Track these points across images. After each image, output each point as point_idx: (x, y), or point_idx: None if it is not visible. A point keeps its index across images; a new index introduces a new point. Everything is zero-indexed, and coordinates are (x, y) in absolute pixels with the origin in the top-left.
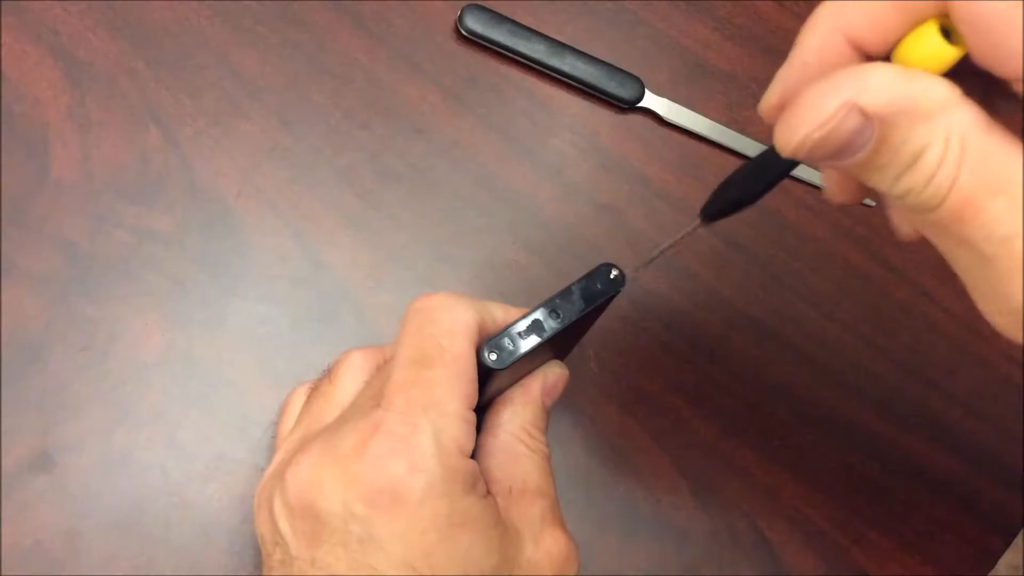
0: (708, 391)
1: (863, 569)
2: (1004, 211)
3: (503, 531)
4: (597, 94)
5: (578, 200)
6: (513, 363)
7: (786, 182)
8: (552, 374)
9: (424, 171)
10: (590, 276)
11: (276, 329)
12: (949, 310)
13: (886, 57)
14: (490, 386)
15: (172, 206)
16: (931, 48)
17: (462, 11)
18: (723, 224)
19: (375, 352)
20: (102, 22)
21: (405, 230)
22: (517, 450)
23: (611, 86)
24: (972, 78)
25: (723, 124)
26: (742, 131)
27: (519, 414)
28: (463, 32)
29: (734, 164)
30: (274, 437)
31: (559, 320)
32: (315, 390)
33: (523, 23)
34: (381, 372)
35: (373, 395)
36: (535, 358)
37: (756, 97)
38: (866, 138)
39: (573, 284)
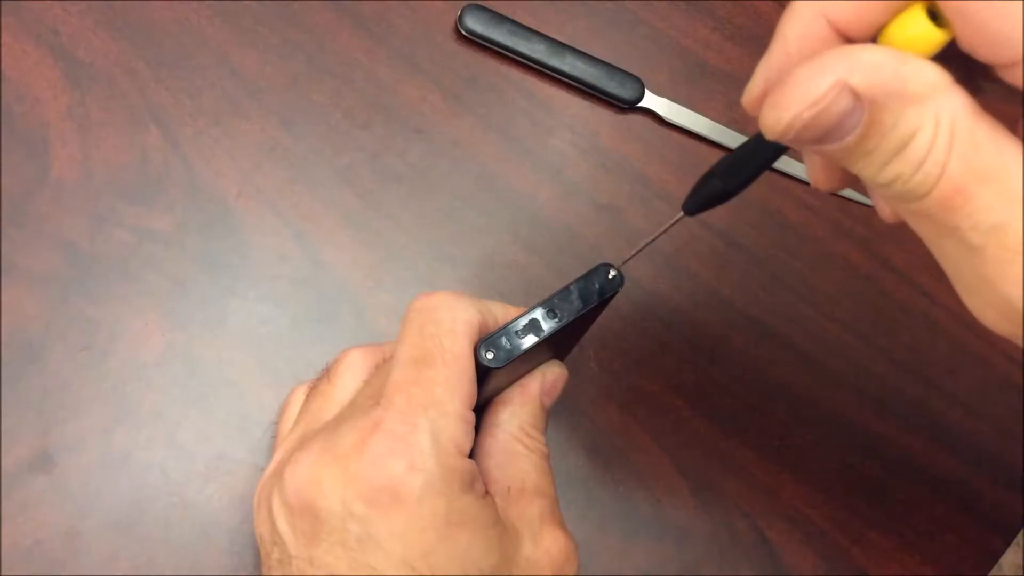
0: (708, 391)
1: (863, 569)
2: (993, 199)
3: (502, 530)
4: (597, 94)
5: (578, 200)
6: (510, 362)
7: (786, 182)
8: (551, 374)
9: (424, 171)
10: (588, 276)
11: (276, 329)
12: (949, 310)
13: (871, 43)
14: (488, 385)
15: (172, 206)
16: (919, 31)
17: (462, 11)
18: (723, 224)
19: (374, 351)
20: (102, 22)
21: (405, 230)
22: (516, 450)
23: (611, 86)
24: (955, 63)
25: (723, 124)
26: (742, 131)
27: (518, 414)
28: (463, 32)
29: None
30: (274, 437)
31: (557, 320)
32: (314, 389)
33: (523, 23)
34: (381, 371)
35: (372, 394)
36: (533, 358)
37: None
38: (855, 121)
39: (571, 284)
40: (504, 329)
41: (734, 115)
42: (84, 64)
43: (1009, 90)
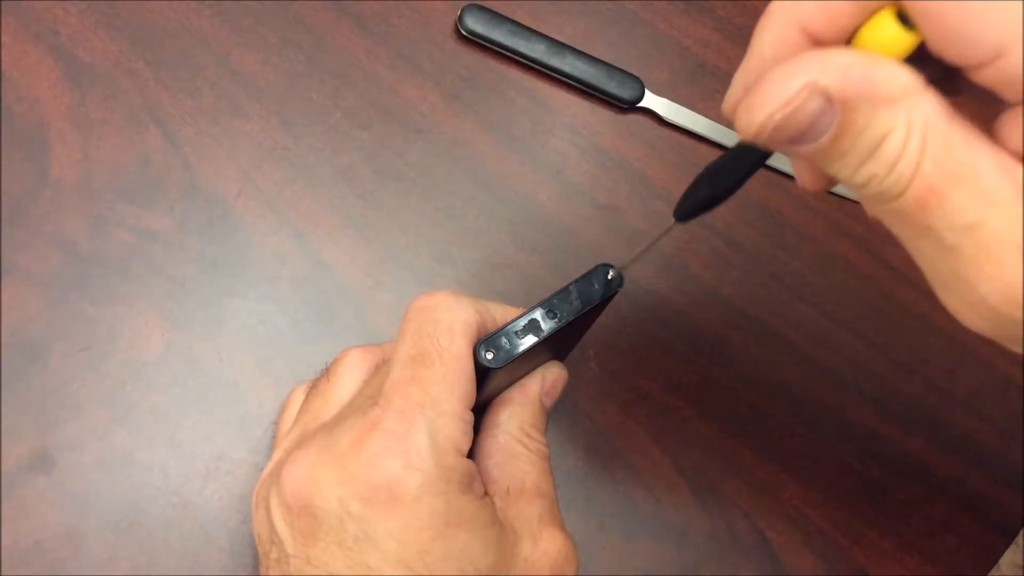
0: (708, 391)
1: (863, 569)
2: (966, 200)
3: (500, 530)
4: (597, 94)
5: (578, 200)
6: (509, 362)
7: (786, 182)
8: (551, 374)
9: (424, 171)
10: (588, 277)
11: (276, 329)
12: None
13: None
14: (487, 386)
15: (172, 206)
16: (888, 35)
17: (462, 11)
18: (723, 224)
19: (374, 351)
20: (102, 22)
21: (405, 230)
22: (515, 450)
23: (611, 86)
24: (931, 66)
25: (723, 124)
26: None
27: (517, 414)
28: (463, 32)
29: None
30: (273, 436)
31: (556, 320)
32: (314, 389)
33: (523, 23)
34: (380, 371)
35: (371, 394)
36: (533, 358)
37: None
38: (827, 123)
39: (571, 284)
40: (504, 329)
41: None
42: (84, 64)
43: (983, 92)
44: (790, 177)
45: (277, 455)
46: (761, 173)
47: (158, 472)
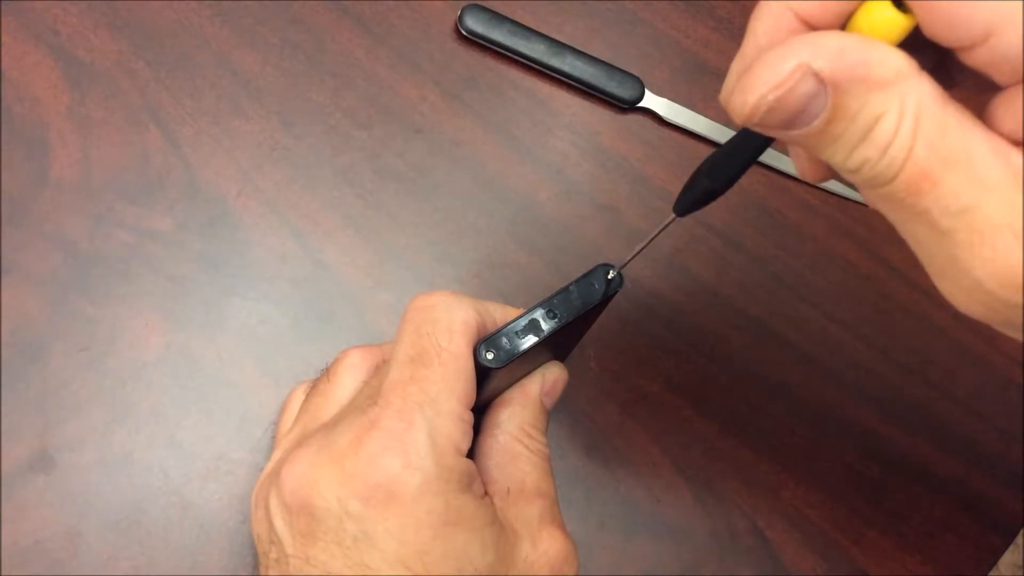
0: (708, 391)
1: (863, 569)
2: (960, 184)
3: (499, 530)
4: (597, 94)
5: (578, 200)
6: (509, 362)
7: (786, 182)
8: (551, 375)
9: (424, 171)
10: (588, 276)
11: (276, 329)
12: (949, 310)
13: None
14: (488, 386)
15: (172, 206)
16: (883, 18)
17: (462, 11)
18: (723, 224)
19: (374, 351)
20: (102, 22)
21: (405, 230)
22: (515, 450)
23: (611, 86)
24: (924, 51)
25: (723, 124)
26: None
27: (517, 414)
28: (463, 32)
29: None
30: (273, 436)
31: (556, 320)
32: (314, 389)
33: (523, 23)
34: (379, 371)
35: (371, 394)
36: (533, 358)
37: None
38: (820, 105)
39: (571, 284)
40: (504, 329)
41: None
42: (84, 64)
43: (977, 80)
44: (790, 177)
45: (277, 455)
46: (761, 173)
47: (158, 472)
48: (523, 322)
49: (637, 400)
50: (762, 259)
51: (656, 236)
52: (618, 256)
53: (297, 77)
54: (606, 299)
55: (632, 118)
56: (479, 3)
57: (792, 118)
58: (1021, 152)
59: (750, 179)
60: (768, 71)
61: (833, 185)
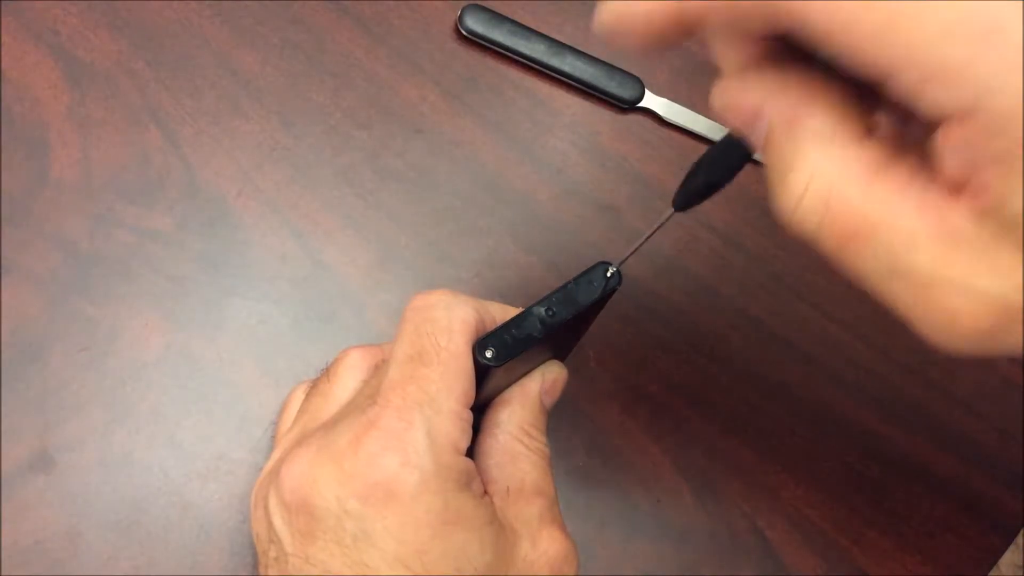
0: (708, 391)
1: (863, 569)
2: (888, 243)
3: (498, 529)
4: (597, 94)
5: (578, 200)
6: (508, 361)
7: None
8: (551, 374)
9: (424, 171)
10: (586, 274)
11: (276, 329)
12: None
13: None
14: (487, 385)
15: (172, 206)
16: None
17: (462, 11)
18: (723, 224)
19: (374, 351)
20: (102, 22)
21: (405, 230)
22: (515, 450)
23: (611, 86)
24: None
25: (723, 124)
26: None
27: (517, 414)
28: (463, 32)
29: None
30: (273, 436)
31: (555, 318)
32: (314, 388)
33: (523, 23)
34: (379, 371)
35: (370, 393)
36: (532, 357)
37: None
38: (760, 131)
39: (569, 282)
40: (503, 328)
41: None
42: (84, 64)
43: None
44: None
45: (276, 454)
46: (762, 173)
47: (158, 472)
48: (522, 320)
49: (637, 400)
50: (762, 259)
51: (655, 232)
52: (618, 256)
53: (297, 77)
54: (605, 297)
55: (632, 118)
56: (479, 3)
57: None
58: (956, 200)
59: (750, 179)
60: (720, 88)
61: None
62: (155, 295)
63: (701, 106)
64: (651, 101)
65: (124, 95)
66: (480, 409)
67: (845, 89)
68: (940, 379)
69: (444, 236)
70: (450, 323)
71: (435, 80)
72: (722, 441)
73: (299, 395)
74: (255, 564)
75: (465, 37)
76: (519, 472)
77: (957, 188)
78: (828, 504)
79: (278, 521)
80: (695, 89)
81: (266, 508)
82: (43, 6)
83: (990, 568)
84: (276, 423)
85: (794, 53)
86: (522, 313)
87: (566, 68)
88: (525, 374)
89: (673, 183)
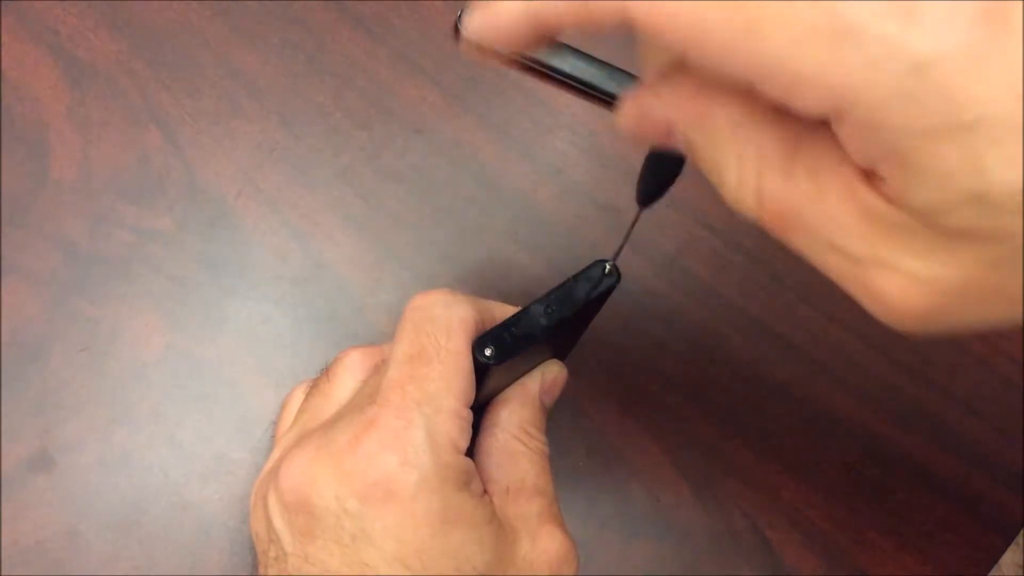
0: (708, 391)
1: (863, 569)
2: (817, 226)
3: (497, 529)
4: (597, 94)
5: (578, 200)
6: (507, 360)
7: None
8: (551, 373)
9: (424, 171)
10: (584, 273)
11: (276, 329)
12: None
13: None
14: (486, 384)
15: (172, 206)
16: None
17: (462, 11)
18: (723, 224)
19: (374, 351)
20: (102, 22)
21: (405, 230)
22: (515, 449)
23: (611, 86)
24: None
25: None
26: None
27: (517, 413)
28: (463, 32)
29: None
30: (273, 436)
31: (554, 317)
32: (313, 388)
33: None
34: (379, 370)
35: (370, 393)
36: (531, 356)
37: None
38: (679, 140)
39: (568, 281)
40: (501, 326)
41: None
42: (84, 64)
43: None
44: None
45: (276, 454)
46: None
47: (158, 472)
48: (521, 319)
49: (637, 400)
50: (762, 259)
51: (631, 230)
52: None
53: (297, 77)
54: (604, 294)
55: None
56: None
57: (659, 143)
58: (869, 184)
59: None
60: (622, 109)
61: None
62: (155, 295)
63: None
64: None
65: (124, 95)
66: (480, 408)
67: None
68: (940, 379)
69: (444, 236)
70: (450, 322)
71: (435, 80)
72: (722, 441)
73: (299, 395)
74: (255, 564)
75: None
76: (518, 471)
77: (867, 173)
78: (828, 504)
79: (277, 520)
80: None
81: (265, 507)
82: (43, 6)
83: (990, 568)
84: (276, 423)
85: None
86: (521, 312)
87: (566, 68)
88: (525, 373)
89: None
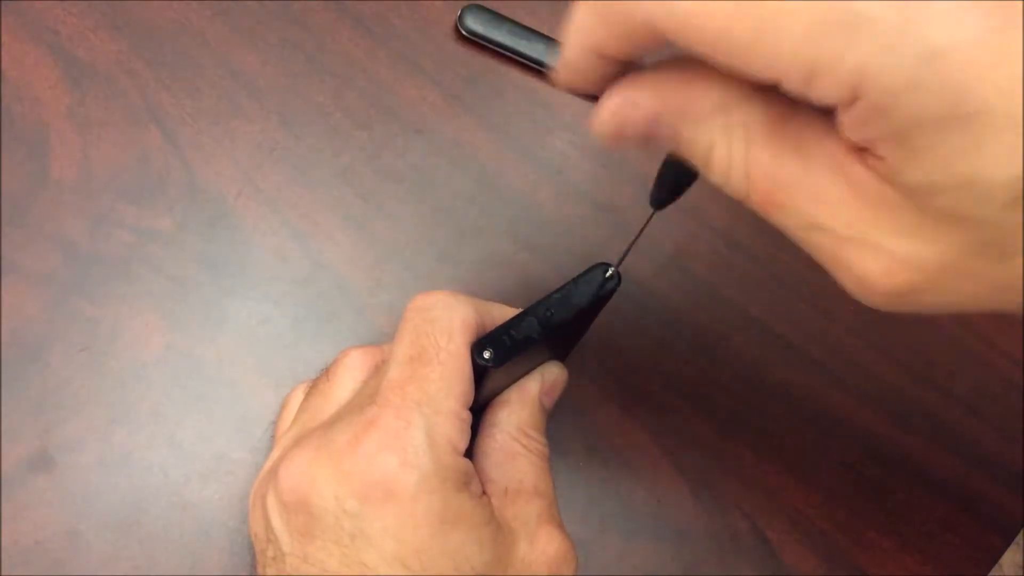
0: (708, 391)
1: (863, 569)
2: (803, 204)
3: (496, 529)
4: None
5: (578, 200)
6: (506, 362)
7: None
8: (550, 374)
9: (424, 171)
10: (585, 275)
11: (276, 329)
12: None
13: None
14: (486, 385)
15: (172, 206)
16: None
17: (462, 11)
18: (723, 224)
19: (374, 352)
20: (102, 22)
21: (405, 230)
22: (514, 450)
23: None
24: None
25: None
26: None
27: (516, 414)
28: (463, 32)
29: None
30: (273, 436)
31: (553, 319)
32: (313, 388)
33: (523, 23)
34: (379, 371)
35: (370, 393)
36: (531, 358)
37: None
38: (667, 133)
39: (569, 283)
40: (501, 329)
41: None
42: (84, 64)
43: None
44: None
45: (275, 454)
46: None
47: (158, 472)
48: (521, 321)
49: (637, 400)
50: (762, 259)
51: (640, 233)
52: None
53: (297, 77)
54: (604, 297)
55: None
56: (479, 3)
57: (644, 141)
58: (860, 160)
59: None
60: (603, 106)
61: None
62: (155, 295)
63: None
64: None
65: (124, 95)
66: (480, 410)
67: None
68: (940, 379)
69: (444, 236)
70: (450, 323)
71: (435, 80)
72: (722, 441)
73: (298, 395)
74: (254, 564)
75: (465, 37)
76: (518, 472)
77: (859, 149)
78: (828, 504)
79: (276, 520)
80: None
81: (264, 507)
82: (43, 6)
83: (990, 568)
84: (275, 423)
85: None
86: (521, 314)
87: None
88: (525, 374)
89: None
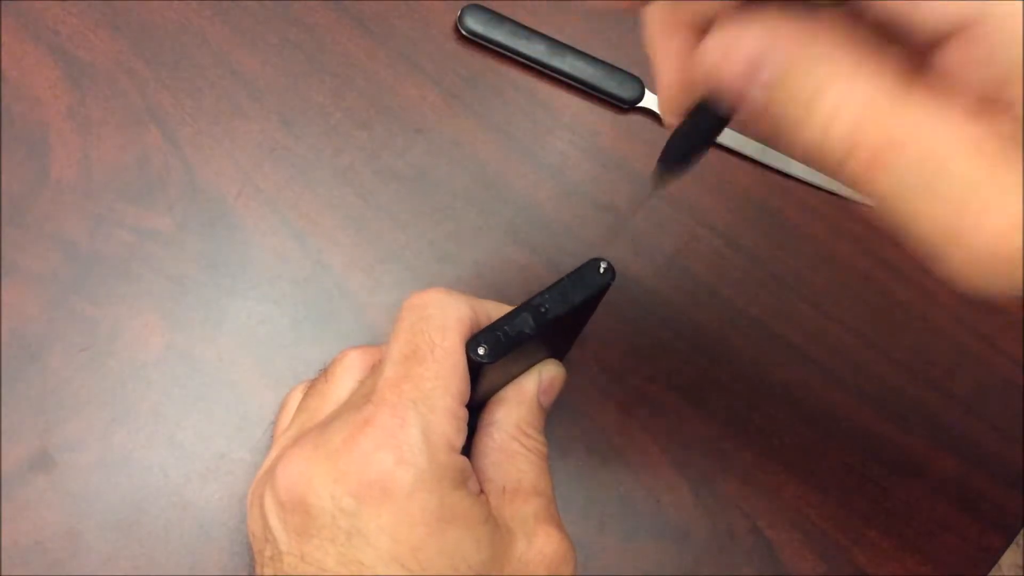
0: (708, 391)
1: (863, 569)
2: (915, 162)
3: (493, 528)
4: (597, 94)
5: (578, 200)
6: (501, 358)
7: (786, 182)
8: (548, 373)
9: (424, 171)
10: (580, 270)
11: (276, 329)
12: (949, 310)
13: None
14: (482, 382)
15: (172, 206)
16: None
17: (462, 11)
18: (723, 224)
19: (372, 352)
20: (102, 22)
21: (405, 230)
22: (512, 449)
23: (611, 86)
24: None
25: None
26: (741, 130)
27: (514, 413)
28: (463, 32)
29: (735, 163)
30: (272, 436)
31: (548, 315)
32: (312, 388)
33: (523, 23)
34: (376, 370)
35: (366, 392)
36: (527, 354)
37: None
38: (766, 76)
39: (563, 279)
40: (496, 325)
41: None
42: (84, 64)
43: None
44: (791, 177)
45: (273, 453)
46: (761, 173)
47: (158, 472)
48: (515, 317)
49: (637, 400)
50: (762, 259)
51: (643, 204)
52: (618, 255)
53: (297, 77)
54: (599, 292)
55: (632, 118)
56: (479, 3)
57: (733, 84)
58: (978, 119)
59: (750, 179)
60: (705, 45)
61: (833, 185)
62: (155, 295)
63: None
64: (651, 101)
65: (124, 95)
66: (477, 408)
67: (840, 16)
68: (940, 379)
69: (444, 236)
70: (445, 321)
71: (435, 80)
72: (722, 441)
73: (297, 395)
74: (252, 564)
75: (465, 37)
76: (516, 471)
77: (978, 110)
78: (828, 504)
79: (273, 520)
80: None
81: (262, 507)
82: (43, 6)
83: (990, 568)
84: (275, 423)
85: None
86: (515, 310)
87: (566, 68)
88: (522, 372)
89: (673, 182)
